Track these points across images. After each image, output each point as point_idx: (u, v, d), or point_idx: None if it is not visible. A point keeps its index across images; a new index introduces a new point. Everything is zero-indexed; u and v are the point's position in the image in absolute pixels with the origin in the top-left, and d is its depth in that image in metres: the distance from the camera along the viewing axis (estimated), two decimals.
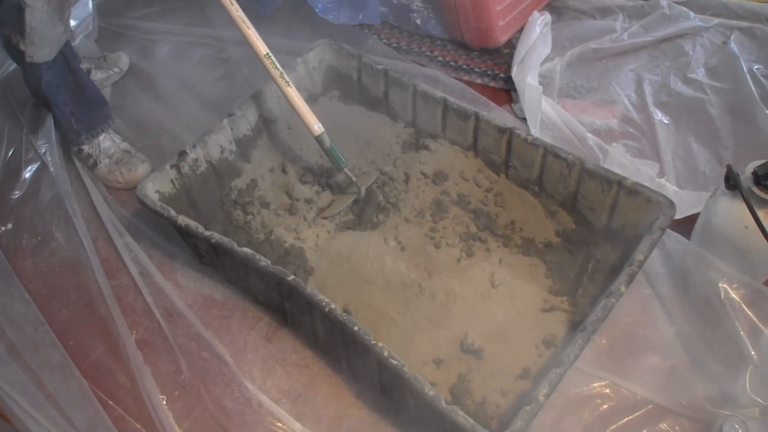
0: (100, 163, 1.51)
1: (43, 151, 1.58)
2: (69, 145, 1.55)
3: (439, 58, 1.80)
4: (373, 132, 1.49)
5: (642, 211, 1.19)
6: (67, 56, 1.37)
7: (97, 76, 1.73)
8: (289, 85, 1.28)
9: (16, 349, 1.25)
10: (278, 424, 1.15)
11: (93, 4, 1.89)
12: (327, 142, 1.30)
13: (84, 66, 1.71)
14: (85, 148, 1.50)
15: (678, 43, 1.77)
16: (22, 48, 1.26)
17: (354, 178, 1.33)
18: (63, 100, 1.42)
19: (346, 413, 1.15)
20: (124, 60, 1.80)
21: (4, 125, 1.67)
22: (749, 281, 1.14)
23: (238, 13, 1.26)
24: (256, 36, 1.27)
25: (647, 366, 1.17)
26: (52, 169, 1.55)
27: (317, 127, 1.28)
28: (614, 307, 1.05)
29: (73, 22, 1.88)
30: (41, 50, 1.27)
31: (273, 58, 1.27)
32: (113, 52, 1.81)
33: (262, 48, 1.27)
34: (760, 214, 1.08)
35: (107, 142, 1.52)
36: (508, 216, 1.33)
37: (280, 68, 1.28)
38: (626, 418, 1.12)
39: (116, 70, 1.77)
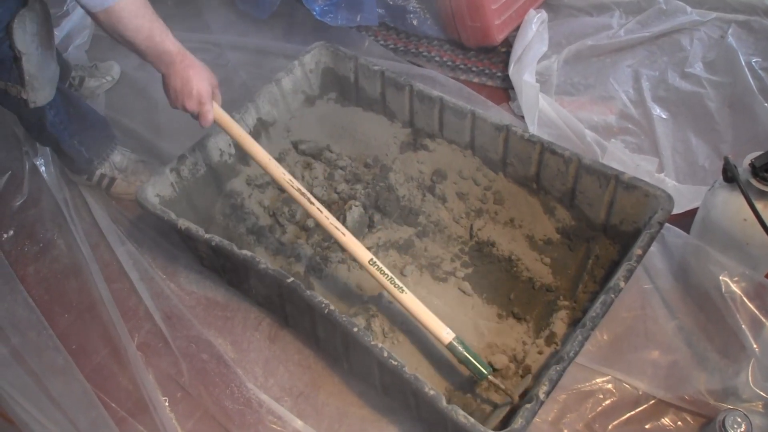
0: (117, 179, 1.50)
1: (40, 161, 1.59)
2: (79, 176, 1.52)
3: (437, 58, 1.80)
4: (370, 133, 1.49)
5: (640, 206, 1.19)
6: (61, 89, 1.35)
7: (90, 84, 1.74)
8: (403, 291, 1.06)
9: (20, 353, 1.26)
10: (278, 421, 1.15)
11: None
12: (459, 348, 1.03)
13: (77, 74, 1.72)
14: (98, 171, 1.49)
15: (675, 38, 1.77)
16: (24, 96, 1.23)
17: (502, 386, 1.03)
18: (70, 134, 1.40)
19: (347, 411, 1.16)
20: (116, 69, 1.80)
21: (7, 131, 1.68)
22: (750, 274, 1.13)
23: (329, 220, 1.12)
24: (355, 242, 1.10)
25: (649, 361, 1.17)
26: (46, 177, 1.55)
27: (446, 334, 1.04)
28: (614, 302, 1.04)
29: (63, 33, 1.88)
30: (42, 93, 1.26)
31: (378, 263, 1.08)
32: (104, 61, 1.80)
33: (364, 255, 1.09)
34: (759, 205, 1.07)
35: (118, 157, 1.51)
36: (507, 214, 1.33)
37: (388, 273, 1.07)
38: (628, 413, 1.12)
39: (108, 78, 1.78)
